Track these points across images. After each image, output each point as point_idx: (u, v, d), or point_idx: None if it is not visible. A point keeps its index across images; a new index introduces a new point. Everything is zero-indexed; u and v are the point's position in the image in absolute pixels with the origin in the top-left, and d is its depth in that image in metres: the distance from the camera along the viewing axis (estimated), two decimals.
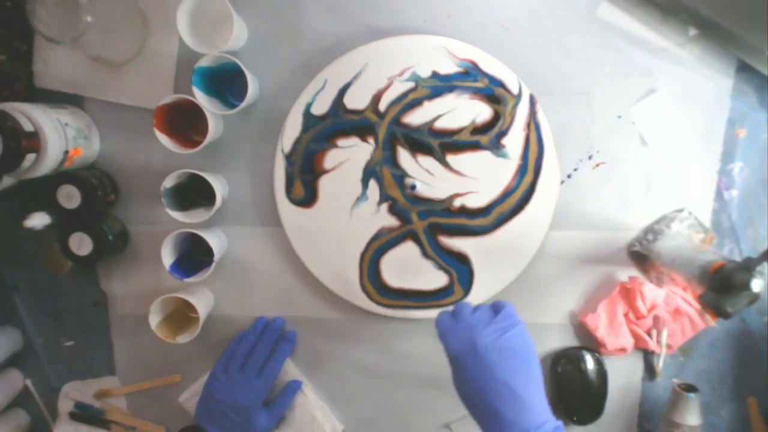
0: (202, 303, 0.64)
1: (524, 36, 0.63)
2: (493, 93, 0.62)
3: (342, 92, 0.62)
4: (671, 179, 0.65)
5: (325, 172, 0.64)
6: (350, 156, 0.64)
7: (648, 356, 0.68)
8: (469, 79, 0.62)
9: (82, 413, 0.71)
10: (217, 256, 0.62)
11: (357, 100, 0.63)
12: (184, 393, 0.70)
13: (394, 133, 0.63)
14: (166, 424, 0.72)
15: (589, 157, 0.65)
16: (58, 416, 0.71)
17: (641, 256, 0.64)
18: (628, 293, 0.65)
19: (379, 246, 0.65)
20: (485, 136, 0.63)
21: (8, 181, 0.61)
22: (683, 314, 0.65)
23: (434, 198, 0.64)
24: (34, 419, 0.72)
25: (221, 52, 0.58)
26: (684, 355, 0.68)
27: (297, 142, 0.64)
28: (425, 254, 0.65)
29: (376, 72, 0.62)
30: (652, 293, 0.65)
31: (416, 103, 0.62)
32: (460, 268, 0.65)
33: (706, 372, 0.68)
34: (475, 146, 0.63)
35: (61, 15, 0.55)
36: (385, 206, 0.65)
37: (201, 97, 0.59)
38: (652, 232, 0.64)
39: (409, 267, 0.65)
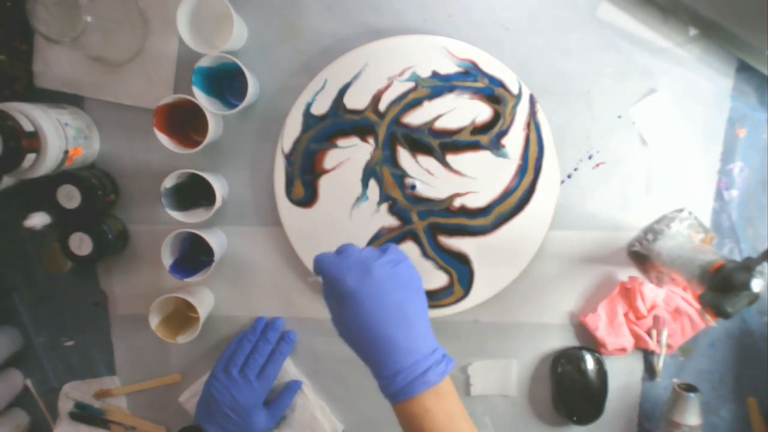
0: (202, 303, 0.64)
1: (524, 36, 0.63)
2: (493, 93, 0.62)
3: (342, 92, 0.62)
4: (671, 179, 0.65)
5: (325, 172, 0.64)
6: (350, 156, 0.64)
7: (648, 356, 0.68)
8: (469, 79, 0.62)
9: (82, 413, 0.71)
10: (217, 256, 0.62)
11: (357, 100, 0.63)
12: (184, 393, 0.70)
13: (394, 133, 0.63)
14: (166, 424, 0.72)
15: (589, 157, 0.65)
16: (58, 416, 0.71)
17: (641, 256, 0.64)
18: (628, 293, 0.65)
19: (379, 246, 0.65)
20: (485, 136, 0.63)
21: (8, 181, 0.61)
22: (683, 314, 0.65)
23: (434, 198, 0.64)
24: (34, 419, 0.72)
25: (221, 52, 0.58)
26: (684, 355, 0.68)
27: (297, 142, 0.64)
28: (425, 254, 0.65)
29: (376, 72, 0.62)
30: (652, 293, 0.65)
31: (416, 103, 0.62)
32: (460, 268, 0.65)
33: (706, 372, 0.68)
34: (475, 146, 0.63)
35: (61, 15, 0.55)
36: (385, 206, 0.65)
37: (201, 97, 0.59)
38: (652, 232, 0.64)
39: None
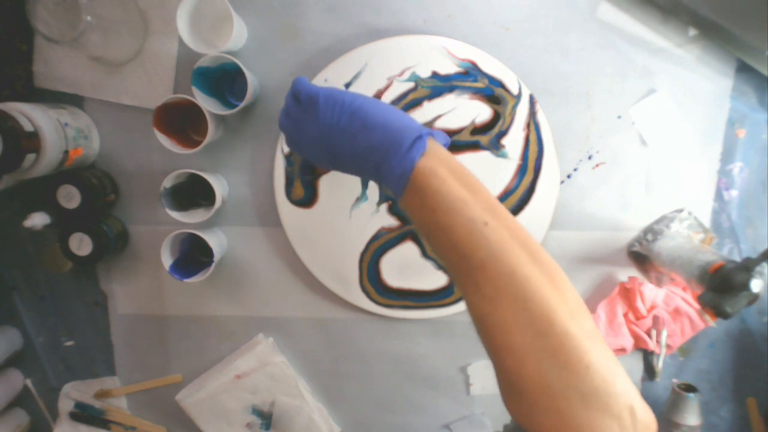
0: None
1: (524, 36, 0.63)
2: (493, 93, 0.62)
3: None
4: (671, 179, 0.65)
5: (325, 172, 0.64)
6: None
7: (648, 356, 0.68)
8: (469, 79, 0.62)
9: (82, 413, 0.71)
10: (217, 257, 0.62)
11: None
12: (182, 391, 0.70)
13: None
14: (166, 424, 0.72)
15: (589, 157, 0.65)
16: (58, 416, 0.71)
17: (641, 256, 0.64)
18: (627, 293, 0.65)
19: (378, 246, 0.65)
20: (485, 137, 0.63)
21: (8, 181, 0.61)
22: (683, 314, 0.65)
23: None
24: (34, 419, 0.72)
25: (221, 52, 0.58)
26: (684, 355, 0.68)
27: None
28: (425, 254, 0.65)
29: (375, 72, 0.62)
30: (651, 293, 0.65)
31: (416, 104, 0.62)
32: None
33: (706, 372, 0.68)
34: (475, 146, 0.63)
35: (61, 15, 0.55)
36: (384, 206, 0.65)
37: (201, 97, 0.59)
38: (652, 232, 0.64)
39: (408, 267, 0.65)
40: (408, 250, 0.65)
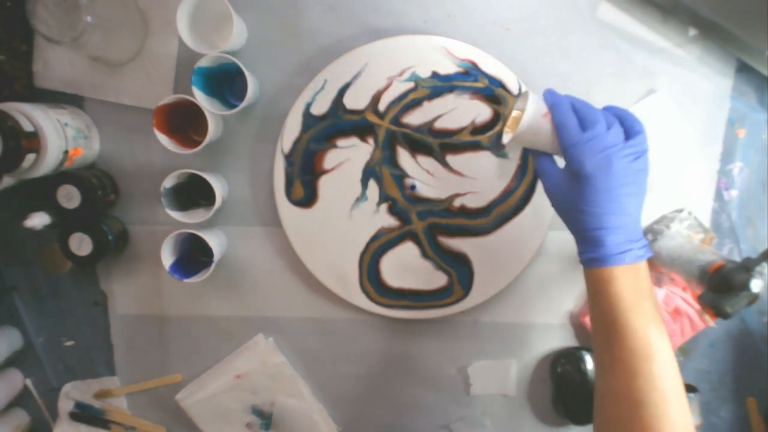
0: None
1: (524, 36, 0.63)
2: (493, 93, 0.62)
3: (342, 92, 0.62)
4: (671, 179, 0.65)
5: (325, 172, 0.64)
6: (350, 156, 0.64)
7: None
8: (469, 79, 0.62)
9: (82, 413, 0.71)
10: (217, 257, 0.62)
11: (357, 100, 0.63)
12: (182, 391, 0.70)
13: (393, 133, 0.63)
14: (166, 424, 0.72)
15: None
16: (58, 416, 0.71)
17: None
18: None
19: (378, 246, 0.65)
20: (485, 136, 0.63)
21: (8, 181, 0.61)
22: (683, 314, 0.65)
23: (434, 198, 0.64)
24: (34, 419, 0.72)
25: (221, 52, 0.58)
26: (684, 355, 0.68)
27: (297, 142, 0.64)
28: (425, 255, 0.65)
29: (375, 72, 0.62)
30: None
31: (416, 104, 0.62)
32: (460, 269, 0.65)
33: (706, 372, 0.68)
34: (475, 146, 0.63)
35: (61, 15, 0.55)
36: (384, 206, 0.65)
37: (201, 97, 0.59)
38: (652, 232, 0.64)
39: (408, 267, 0.65)
40: (408, 250, 0.65)
